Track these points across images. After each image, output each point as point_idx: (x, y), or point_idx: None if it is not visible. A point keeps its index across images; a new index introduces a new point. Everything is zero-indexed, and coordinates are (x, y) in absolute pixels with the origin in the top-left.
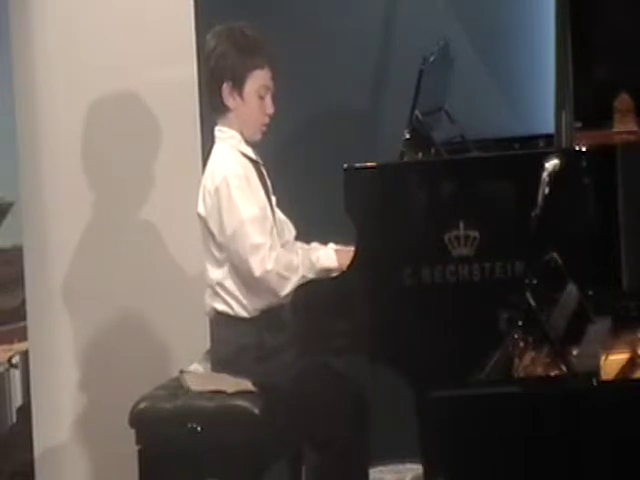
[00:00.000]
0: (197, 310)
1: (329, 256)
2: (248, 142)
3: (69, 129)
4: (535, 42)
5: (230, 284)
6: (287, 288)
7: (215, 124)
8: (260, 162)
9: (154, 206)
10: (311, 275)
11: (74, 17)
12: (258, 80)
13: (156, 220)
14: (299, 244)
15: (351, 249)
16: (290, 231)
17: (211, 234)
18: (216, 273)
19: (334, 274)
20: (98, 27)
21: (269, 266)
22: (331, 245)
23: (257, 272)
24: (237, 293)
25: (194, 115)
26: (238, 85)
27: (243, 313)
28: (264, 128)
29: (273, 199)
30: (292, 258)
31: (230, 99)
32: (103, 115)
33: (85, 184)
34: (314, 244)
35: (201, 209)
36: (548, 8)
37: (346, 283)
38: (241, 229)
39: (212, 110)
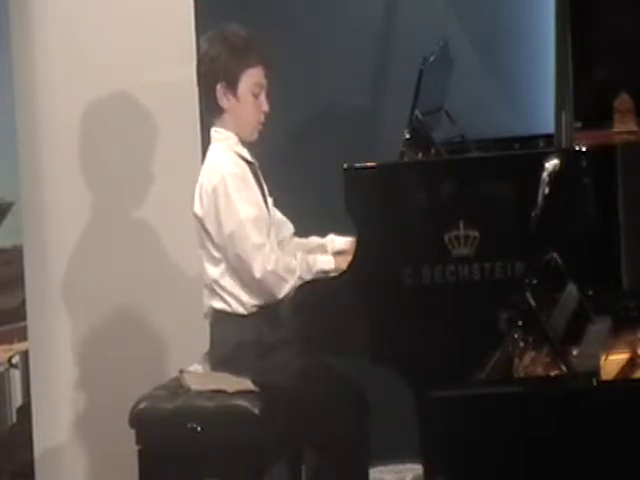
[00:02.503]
0: (197, 310)
1: (327, 260)
2: (244, 143)
3: (69, 129)
4: (535, 42)
5: (227, 282)
6: (284, 291)
7: (212, 125)
8: (255, 164)
9: (154, 206)
10: (308, 277)
11: (74, 17)
12: (251, 78)
13: (156, 220)
14: (296, 240)
15: (351, 244)
16: (288, 229)
17: (208, 234)
18: (213, 271)
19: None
20: (98, 27)
21: (269, 267)
22: (331, 236)
23: (258, 273)
24: (234, 290)
25: (194, 115)
26: (232, 85)
27: (241, 310)
28: (260, 127)
29: (269, 200)
30: (290, 260)
31: (224, 100)
32: (103, 115)
33: (85, 184)
34: (312, 238)
35: (198, 209)
36: (548, 8)
37: (346, 283)
38: (240, 230)
39: (207, 112)
